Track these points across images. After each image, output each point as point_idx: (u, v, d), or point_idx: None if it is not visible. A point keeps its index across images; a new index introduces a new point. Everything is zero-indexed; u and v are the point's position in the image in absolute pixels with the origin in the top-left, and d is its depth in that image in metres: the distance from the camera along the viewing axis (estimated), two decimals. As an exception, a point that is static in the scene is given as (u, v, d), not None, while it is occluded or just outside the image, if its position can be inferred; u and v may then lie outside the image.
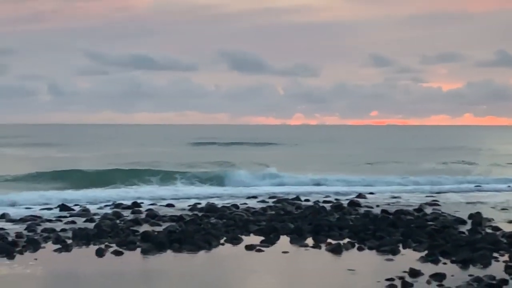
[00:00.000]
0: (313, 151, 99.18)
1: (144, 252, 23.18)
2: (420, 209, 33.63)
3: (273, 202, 36.85)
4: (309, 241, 25.47)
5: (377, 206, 35.76)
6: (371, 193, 42.58)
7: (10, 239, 24.67)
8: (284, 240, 25.83)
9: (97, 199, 37.92)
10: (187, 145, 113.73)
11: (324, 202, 37.35)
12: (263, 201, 37.73)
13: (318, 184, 47.65)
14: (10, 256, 22.21)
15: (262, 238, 25.76)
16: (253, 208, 34.00)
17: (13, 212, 31.94)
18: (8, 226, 28.14)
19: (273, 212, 32.46)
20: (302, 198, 38.73)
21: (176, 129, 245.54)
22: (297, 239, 25.82)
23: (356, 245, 24.52)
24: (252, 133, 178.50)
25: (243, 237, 26.01)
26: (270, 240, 25.43)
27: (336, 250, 23.61)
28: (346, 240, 25.44)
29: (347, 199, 38.25)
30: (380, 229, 26.67)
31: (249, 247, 23.94)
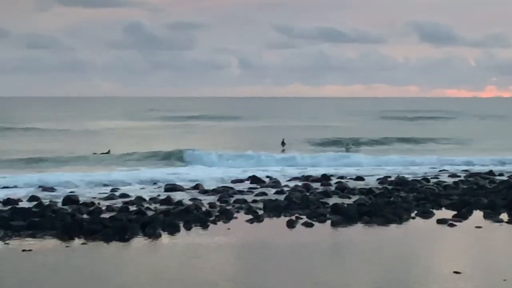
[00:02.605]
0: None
1: (334, 224, 23.21)
2: None
3: (465, 177, 35.86)
4: (504, 216, 24.59)
5: None
6: None
7: (203, 209, 25.41)
8: (477, 214, 25.11)
9: (285, 172, 38.22)
10: (377, 119, 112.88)
11: (520, 176, 36.04)
12: (454, 175, 36.80)
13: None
14: (204, 226, 22.88)
15: (454, 212, 25.13)
16: (445, 182, 33.27)
17: (206, 183, 32.87)
18: (201, 197, 28.99)
19: (465, 187, 31.64)
20: (496, 173, 37.46)
21: (365, 102, 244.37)
22: (491, 214, 24.98)
23: (555, 222, 23.47)
24: (442, 106, 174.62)
25: (434, 211, 25.52)
26: (462, 215, 24.76)
27: (533, 226, 22.71)
28: (544, 215, 24.41)
29: (544, 174, 36.78)
30: None
31: (441, 221, 23.45)
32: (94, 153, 49.11)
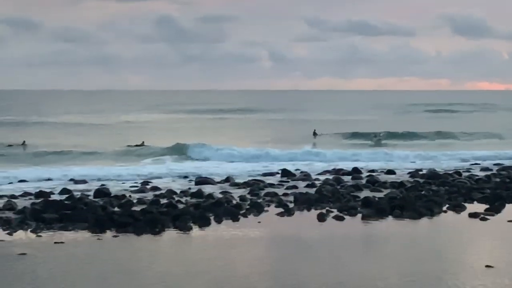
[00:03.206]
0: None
1: (365, 217, 23.11)
2: None
3: (498, 170, 35.54)
4: (537, 210, 24.39)
5: None
6: None
7: (234, 202, 25.42)
8: (510, 208, 24.90)
9: (315, 165, 38.09)
10: (407, 113, 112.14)
11: (553, 170, 35.64)
12: (487, 169, 36.50)
13: None
14: (235, 219, 22.90)
15: (486, 206, 24.93)
16: (477, 176, 33.00)
17: (237, 176, 32.88)
18: (232, 190, 29.00)
19: (498, 180, 31.34)
20: (529, 166, 37.08)
21: (395, 95, 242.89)
22: (524, 208, 24.79)
23: None
24: (474, 99, 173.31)
25: (466, 204, 25.32)
26: (495, 209, 24.56)
27: None
28: None
29: None
30: None
31: (473, 215, 23.27)
32: (128, 145, 49.47)
